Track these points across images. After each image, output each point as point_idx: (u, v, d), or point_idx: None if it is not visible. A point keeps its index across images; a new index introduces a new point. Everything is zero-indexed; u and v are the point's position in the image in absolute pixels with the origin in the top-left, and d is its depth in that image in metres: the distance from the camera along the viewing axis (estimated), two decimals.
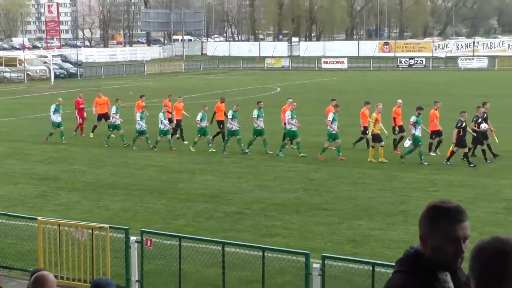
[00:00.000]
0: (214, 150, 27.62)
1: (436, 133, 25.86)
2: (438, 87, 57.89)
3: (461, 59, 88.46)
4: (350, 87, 60.86)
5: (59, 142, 30.34)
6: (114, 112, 30.51)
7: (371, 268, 10.11)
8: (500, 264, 2.89)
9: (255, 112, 27.27)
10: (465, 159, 24.02)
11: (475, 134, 24.31)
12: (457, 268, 3.34)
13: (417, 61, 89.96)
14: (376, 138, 25.14)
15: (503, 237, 2.94)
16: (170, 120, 29.71)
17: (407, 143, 24.93)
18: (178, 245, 11.95)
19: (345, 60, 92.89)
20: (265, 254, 11.14)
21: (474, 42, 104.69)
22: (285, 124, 27.19)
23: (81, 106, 33.71)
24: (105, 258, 12.42)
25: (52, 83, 69.59)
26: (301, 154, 26.15)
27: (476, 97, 42.56)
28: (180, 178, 22.99)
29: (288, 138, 27.01)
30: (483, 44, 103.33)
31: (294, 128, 26.46)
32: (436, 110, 25.81)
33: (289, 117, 26.53)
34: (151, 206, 19.21)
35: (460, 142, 23.79)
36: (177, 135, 30.59)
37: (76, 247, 12.59)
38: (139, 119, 29.01)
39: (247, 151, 27.12)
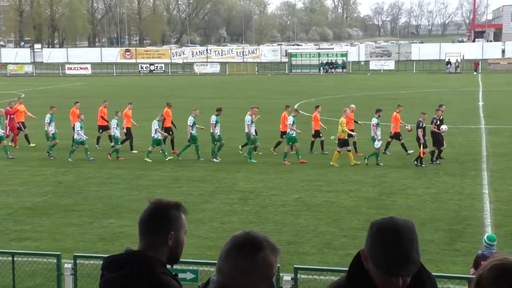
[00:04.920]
0: (171, 158, 25.22)
1: (396, 135, 25.36)
2: (177, 90, 59.14)
3: (197, 65, 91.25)
4: (93, 91, 59.77)
5: None
6: (48, 121, 26.22)
7: None
8: (250, 261, 2.84)
9: (213, 118, 24.97)
10: (417, 160, 23.43)
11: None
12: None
13: (157, 67, 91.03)
14: (343, 143, 23.91)
15: (253, 233, 2.88)
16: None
17: (378, 144, 23.80)
18: None
19: (89, 66, 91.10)
20: (15, 258, 10.50)
21: (207, 50, 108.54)
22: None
23: (11, 116, 28.77)
24: None
25: None
26: (252, 160, 24.62)
27: (211, 98, 44.25)
28: None
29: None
30: (215, 51, 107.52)
31: (253, 133, 24.68)
32: (398, 113, 25.44)
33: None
34: None
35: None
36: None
37: None
38: (79, 128, 25.15)
39: (217, 160, 24.90)
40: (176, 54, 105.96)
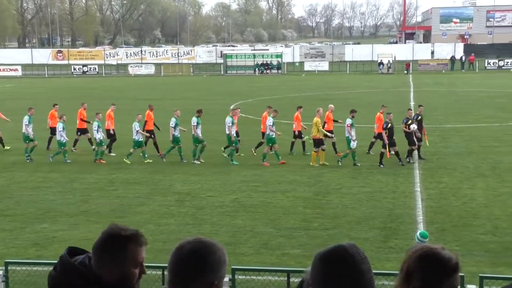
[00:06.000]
0: (150, 161, 24.62)
1: (380, 135, 24.95)
2: (111, 92, 58.29)
3: (131, 66, 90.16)
4: (25, 93, 58.35)
5: None
6: (27, 122, 25.20)
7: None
8: (193, 263, 2.85)
9: (194, 120, 24.58)
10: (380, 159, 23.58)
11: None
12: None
13: (91, 68, 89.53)
14: (318, 142, 23.86)
15: (202, 239, 2.91)
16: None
17: (353, 144, 23.66)
18: None
19: (19, 67, 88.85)
20: None
21: (142, 51, 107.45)
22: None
23: None
24: None
25: None
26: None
27: (146, 100, 43.68)
28: None
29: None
30: (150, 52, 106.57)
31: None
32: (382, 113, 25.20)
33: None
34: None
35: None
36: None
37: None
38: (61, 129, 24.42)
39: (199, 161, 24.56)
40: (110, 55, 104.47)
